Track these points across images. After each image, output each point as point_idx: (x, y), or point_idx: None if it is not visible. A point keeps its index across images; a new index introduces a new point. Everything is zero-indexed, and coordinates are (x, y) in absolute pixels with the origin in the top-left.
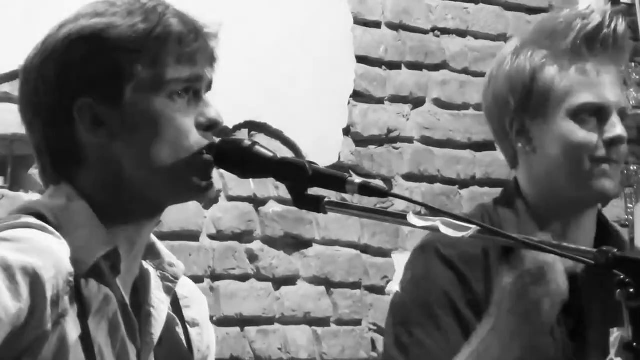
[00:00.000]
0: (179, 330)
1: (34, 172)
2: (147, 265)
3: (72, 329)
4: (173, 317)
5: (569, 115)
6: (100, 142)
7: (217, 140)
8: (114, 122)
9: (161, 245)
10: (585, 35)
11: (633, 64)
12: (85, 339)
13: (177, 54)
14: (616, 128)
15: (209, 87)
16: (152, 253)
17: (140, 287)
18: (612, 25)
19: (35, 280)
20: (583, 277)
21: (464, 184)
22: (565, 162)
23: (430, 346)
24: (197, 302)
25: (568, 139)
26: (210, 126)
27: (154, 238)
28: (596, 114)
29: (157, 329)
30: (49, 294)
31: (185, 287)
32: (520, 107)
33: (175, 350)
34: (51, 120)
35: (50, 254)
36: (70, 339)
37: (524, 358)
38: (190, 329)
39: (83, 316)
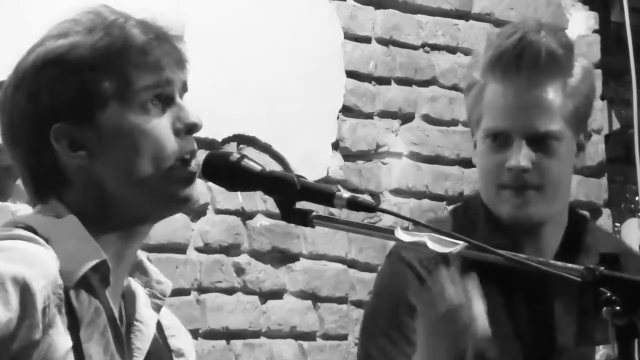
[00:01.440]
0: (165, 355)
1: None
2: (135, 282)
3: (62, 340)
4: (158, 339)
5: (484, 137)
6: (80, 163)
7: (196, 145)
8: (91, 142)
9: (149, 263)
10: (497, 56)
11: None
12: (77, 349)
13: (141, 64)
14: (514, 156)
15: (184, 89)
16: (140, 270)
17: (128, 303)
18: (525, 45)
19: (25, 290)
20: (554, 284)
21: (452, 200)
22: (481, 184)
23: (394, 355)
24: (182, 333)
25: (480, 161)
26: (189, 130)
27: (141, 256)
28: (499, 138)
29: (145, 344)
30: (39, 304)
31: (168, 318)
32: (468, 118)
33: None
34: (30, 149)
35: (40, 264)
36: (60, 350)
37: None
38: (175, 358)
39: (74, 327)
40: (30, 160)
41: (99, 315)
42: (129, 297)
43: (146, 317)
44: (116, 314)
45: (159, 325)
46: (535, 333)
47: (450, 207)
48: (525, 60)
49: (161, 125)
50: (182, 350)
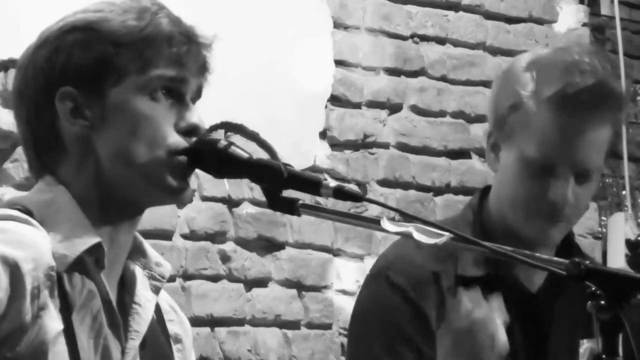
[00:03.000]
0: (163, 338)
1: (9, 165)
2: (133, 264)
3: (53, 323)
4: (156, 323)
5: (526, 164)
6: (79, 132)
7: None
8: (94, 114)
9: (148, 245)
10: (568, 94)
11: None
12: (69, 333)
13: (165, 54)
14: (561, 191)
15: (198, 95)
16: (139, 252)
17: (127, 286)
18: (605, 93)
19: (14, 271)
20: (540, 297)
21: (438, 191)
22: (507, 204)
23: None
24: (180, 318)
25: (513, 184)
26: (190, 131)
27: (140, 238)
28: (544, 168)
29: (142, 326)
30: (29, 286)
31: (168, 302)
32: (497, 124)
33: (159, 354)
34: (36, 108)
35: (31, 246)
36: (51, 333)
37: None
38: (172, 344)
39: (66, 311)
40: (31, 120)
41: (92, 298)
42: (128, 279)
43: (144, 299)
44: (113, 298)
45: (158, 309)
46: (530, 355)
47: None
48: (598, 103)
49: (165, 118)
50: (180, 335)
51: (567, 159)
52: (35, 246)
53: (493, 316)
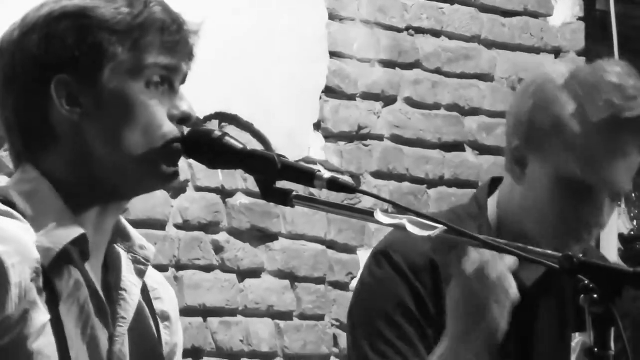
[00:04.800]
0: (150, 320)
1: (3, 154)
2: (117, 248)
3: (41, 316)
4: (143, 305)
5: (563, 183)
6: (73, 120)
7: (187, 131)
8: (89, 102)
9: (131, 228)
10: (619, 118)
11: None
12: (56, 324)
13: (159, 42)
14: (600, 216)
15: (183, 81)
16: (122, 236)
17: (111, 270)
18: None
19: None
20: (533, 291)
21: (432, 183)
22: (538, 216)
23: (394, 356)
24: (167, 296)
25: (551, 201)
26: (182, 119)
27: (124, 221)
28: (581, 189)
29: (129, 312)
30: (13, 280)
31: (154, 278)
32: (530, 140)
33: (145, 338)
34: (26, 95)
35: (15, 240)
36: (37, 325)
37: None
38: (160, 322)
39: (53, 302)
40: (21, 107)
41: (79, 288)
42: (112, 264)
43: (130, 284)
44: (98, 284)
45: (144, 288)
46: (518, 347)
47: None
48: None
49: (160, 106)
50: (167, 312)
51: (608, 182)
52: (19, 240)
53: (503, 261)
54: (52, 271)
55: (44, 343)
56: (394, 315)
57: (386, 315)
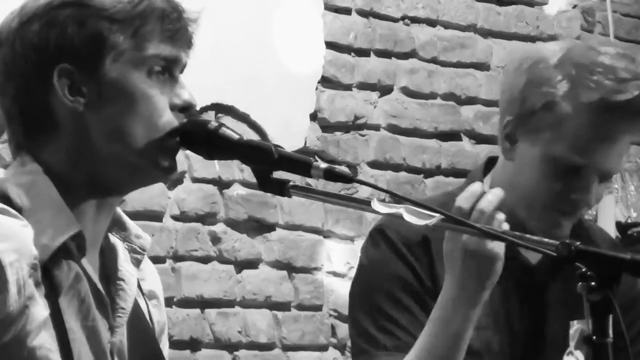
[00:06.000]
0: (142, 305)
1: (0, 147)
2: (113, 237)
3: (40, 312)
4: (138, 292)
5: (552, 162)
6: (74, 110)
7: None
8: (91, 91)
9: (127, 218)
10: (610, 101)
11: None
12: (56, 317)
13: (159, 31)
14: (586, 194)
15: (182, 70)
16: (118, 225)
17: (108, 261)
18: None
19: None
20: (540, 270)
21: (429, 173)
22: (521, 198)
23: (397, 333)
24: (151, 275)
25: (534, 179)
26: (184, 108)
27: (119, 210)
28: (571, 167)
29: (128, 303)
30: (12, 277)
31: None
32: (521, 118)
33: (139, 322)
34: (27, 84)
35: (12, 238)
36: (37, 320)
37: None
38: (148, 301)
39: (53, 296)
40: (22, 96)
41: (79, 280)
42: (108, 253)
43: (127, 274)
44: (95, 278)
45: None
46: (526, 326)
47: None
48: (638, 116)
49: (162, 96)
50: (154, 291)
51: (598, 163)
52: (17, 237)
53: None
54: (51, 265)
55: (44, 337)
56: (393, 290)
57: (385, 291)
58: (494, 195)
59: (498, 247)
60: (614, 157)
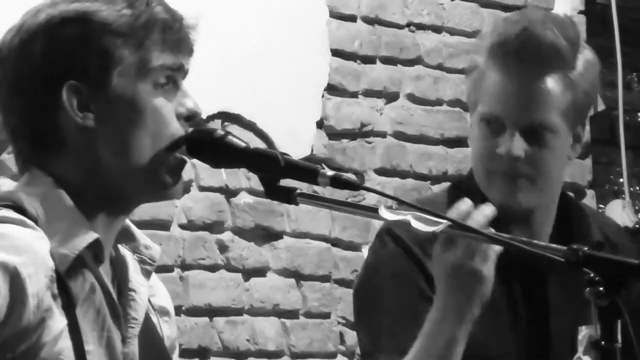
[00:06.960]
0: (153, 318)
1: (6, 157)
2: (123, 249)
3: (57, 323)
4: (149, 304)
5: (478, 121)
6: (83, 126)
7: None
8: (100, 107)
9: (135, 228)
10: (499, 43)
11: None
12: (73, 328)
13: (162, 41)
14: (506, 144)
15: (184, 77)
16: (126, 236)
17: (119, 272)
18: (528, 36)
19: (14, 278)
20: (548, 269)
21: (436, 179)
22: (474, 166)
23: (401, 333)
24: (162, 292)
25: (474, 144)
26: (189, 117)
27: (127, 221)
28: (493, 125)
29: (140, 313)
30: (30, 290)
31: None
32: (467, 89)
33: (150, 333)
34: (35, 103)
35: (29, 250)
36: (54, 331)
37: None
38: (159, 317)
39: (70, 306)
40: (29, 114)
41: (94, 291)
42: (118, 265)
43: (138, 285)
44: (111, 288)
45: None
46: (532, 321)
47: (445, 186)
48: (526, 51)
49: (168, 106)
50: (165, 307)
51: (510, 112)
52: (34, 249)
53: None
54: (68, 276)
55: (61, 348)
56: (398, 288)
57: (390, 290)
58: (484, 217)
59: (487, 270)
60: (525, 105)
